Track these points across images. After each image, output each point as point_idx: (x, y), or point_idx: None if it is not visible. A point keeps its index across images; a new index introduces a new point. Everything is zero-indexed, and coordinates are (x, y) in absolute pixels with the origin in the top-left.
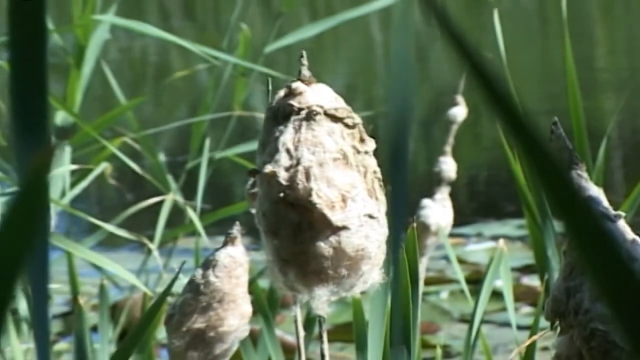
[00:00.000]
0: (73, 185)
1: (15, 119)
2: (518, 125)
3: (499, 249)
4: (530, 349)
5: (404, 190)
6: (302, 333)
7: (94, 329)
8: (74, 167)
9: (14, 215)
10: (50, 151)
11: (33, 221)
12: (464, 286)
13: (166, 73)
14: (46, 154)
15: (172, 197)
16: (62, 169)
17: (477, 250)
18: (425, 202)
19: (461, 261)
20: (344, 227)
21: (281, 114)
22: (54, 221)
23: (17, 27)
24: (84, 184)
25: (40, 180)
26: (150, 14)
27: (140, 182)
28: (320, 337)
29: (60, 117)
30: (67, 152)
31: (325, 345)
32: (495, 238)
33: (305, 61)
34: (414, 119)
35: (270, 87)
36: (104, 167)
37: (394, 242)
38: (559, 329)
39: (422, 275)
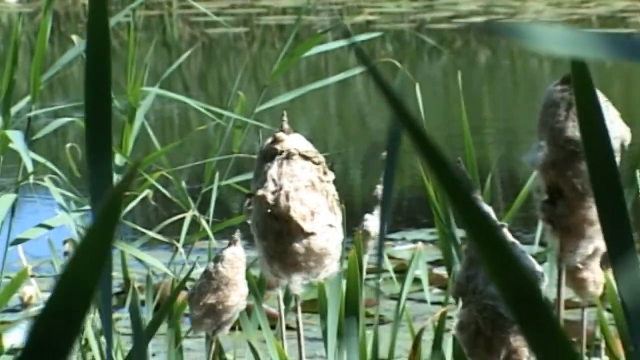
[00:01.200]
0: (126, 204)
1: (89, 158)
2: (435, 160)
3: (418, 249)
4: (441, 318)
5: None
6: (282, 307)
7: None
8: (127, 192)
9: (97, 226)
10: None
11: (112, 231)
12: (393, 274)
13: (187, 126)
14: (120, 187)
15: (192, 213)
16: None
17: (402, 250)
18: (367, 216)
19: (391, 257)
20: (312, 233)
21: (269, 155)
22: None
23: (91, 96)
24: (133, 203)
25: (116, 204)
26: (176, 86)
27: (169, 203)
28: (295, 309)
29: (118, 158)
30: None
31: (299, 315)
32: (415, 241)
33: (285, 118)
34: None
35: (260, 137)
36: (147, 192)
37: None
38: (461, 304)
39: (364, 266)
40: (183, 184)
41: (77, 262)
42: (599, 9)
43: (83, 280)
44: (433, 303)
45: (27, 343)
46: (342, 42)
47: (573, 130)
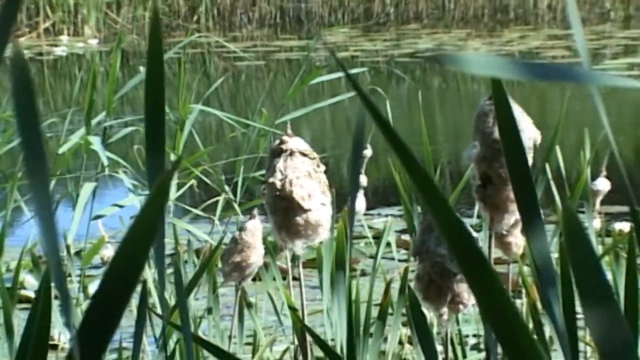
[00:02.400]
0: (177, 190)
1: (148, 155)
2: (405, 155)
3: (389, 221)
4: (405, 272)
5: (354, 191)
6: (290, 264)
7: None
8: (177, 181)
9: (151, 203)
10: (170, 173)
11: (161, 208)
12: (371, 240)
13: (222, 134)
14: (167, 174)
15: (225, 196)
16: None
17: (377, 222)
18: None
19: (370, 227)
20: (309, 210)
21: (277, 152)
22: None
23: (149, 110)
24: (183, 189)
25: (164, 187)
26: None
27: (209, 189)
28: (298, 265)
29: (172, 156)
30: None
31: (301, 269)
32: (386, 216)
33: (289, 126)
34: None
35: (272, 139)
36: (192, 181)
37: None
38: (418, 261)
39: (350, 234)
40: (221, 175)
41: (135, 229)
42: (520, 46)
43: (141, 244)
44: (400, 260)
45: (100, 288)
46: (339, 74)
47: (498, 133)
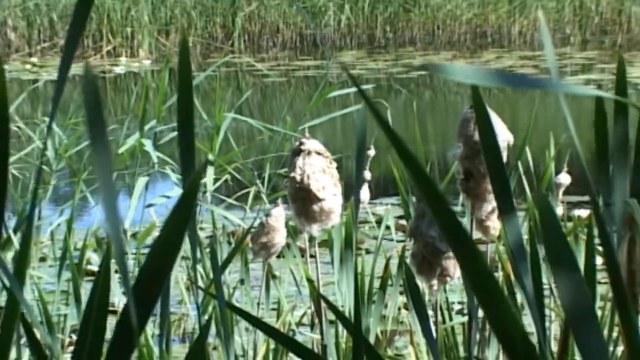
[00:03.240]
0: (214, 183)
1: (181, 155)
2: (406, 154)
3: (388, 209)
4: (402, 250)
5: (359, 184)
6: (307, 244)
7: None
8: (214, 176)
9: (187, 194)
10: (199, 173)
11: (195, 198)
12: (374, 224)
13: (252, 137)
14: (198, 173)
15: (254, 188)
16: (207, 177)
17: (379, 209)
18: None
19: (373, 214)
20: (324, 199)
21: (297, 152)
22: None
23: (182, 116)
24: (219, 183)
25: (195, 183)
26: (245, 112)
27: (241, 183)
28: (314, 245)
29: (210, 156)
30: (211, 169)
31: (316, 248)
32: (387, 204)
33: (307, 131)
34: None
35: (293, 141)
36: (227, 176)
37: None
38: (413, 241)
39: (357, 220)
40: (251, 170)
41: (174, 214)
42: (496, 65)
43: (178, 226)
44: (398, 241)
45: (146, 263)
46: (350, 89)
47: (478, 136)
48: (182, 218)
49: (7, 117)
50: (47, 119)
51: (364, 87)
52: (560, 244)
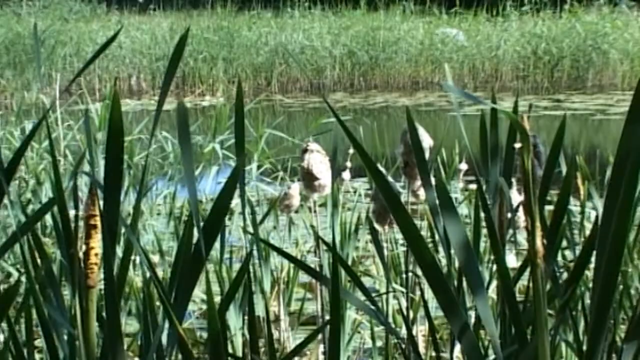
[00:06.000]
0: (258, 169)
1: (237, 155)
2: (362, 152)
3: (361, 185)
4: (368, 209)
5: (338, 170)
6: (312, 205)
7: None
8: (257, 163)
9: (234, 174)
10: (239, 167)
11: (237, 178)
12: (353, 193)
13: (281, 143)
14: (239, 166)
15: (282, 172)
16: (253, 165)
17: (356, 184)
18: (342, 173)
19: (352, 187)
20: (321, 179)
21: (304, 150)
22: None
23: (238, 130)
24: (261, 169)
25: (237, 172)
26: (277, 128)
27: (274, 169)
28: (316, 205)
29: (255, 155)
30: (254, 163)
31: (317, 207)
32: (360, 181)
33: (311, 138)
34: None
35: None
36: (266, 165)
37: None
38: (373, 203)
39: (342, 190)
40: (276, 162)
41: (226, 185)
42: (425, 100)
43: (227, 196)
44: (366, 203)
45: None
46: (332, 118)
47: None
48: (232, 186)
49: (122, 132)
50: (164, 133)
51: (345, 117)
52: (448, 203)
